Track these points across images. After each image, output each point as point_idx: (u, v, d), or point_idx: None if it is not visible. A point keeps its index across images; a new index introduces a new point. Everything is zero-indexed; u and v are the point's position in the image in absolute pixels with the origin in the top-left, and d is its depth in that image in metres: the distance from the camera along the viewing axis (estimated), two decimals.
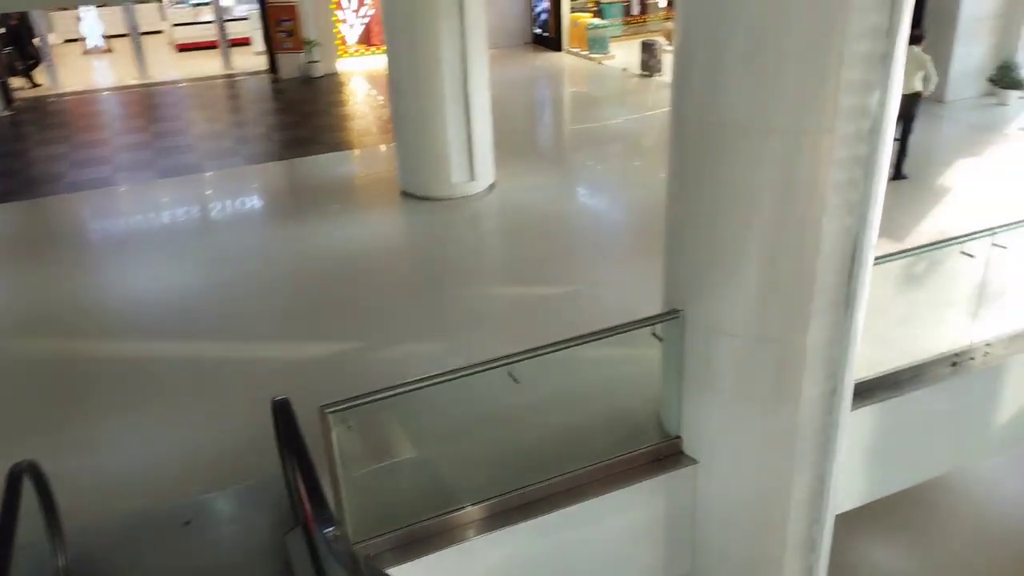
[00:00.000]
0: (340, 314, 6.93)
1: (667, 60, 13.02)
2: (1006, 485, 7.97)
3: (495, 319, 6.78)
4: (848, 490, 5.02)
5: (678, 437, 4.74)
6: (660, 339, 4.50)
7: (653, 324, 4.49)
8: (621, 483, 4.59)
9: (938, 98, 10.73)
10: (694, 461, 4.68)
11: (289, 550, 4.06)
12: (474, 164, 9.19)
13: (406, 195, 9.39)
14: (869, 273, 4.18)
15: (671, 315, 4.44)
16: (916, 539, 7.55)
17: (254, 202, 9.92)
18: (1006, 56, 11.34)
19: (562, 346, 4.28)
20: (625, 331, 4.45)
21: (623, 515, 4.67)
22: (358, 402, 3.90)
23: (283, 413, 3.80)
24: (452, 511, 4.31)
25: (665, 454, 4.74)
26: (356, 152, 11.58)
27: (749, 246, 4.05)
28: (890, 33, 3.58)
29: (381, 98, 14.04)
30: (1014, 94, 11.15)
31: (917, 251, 5.36)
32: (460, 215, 8.96)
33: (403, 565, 4.12)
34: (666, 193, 4.52)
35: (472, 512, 4.36)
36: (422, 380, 4.10)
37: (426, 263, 7.95)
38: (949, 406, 5.33)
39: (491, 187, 9.51)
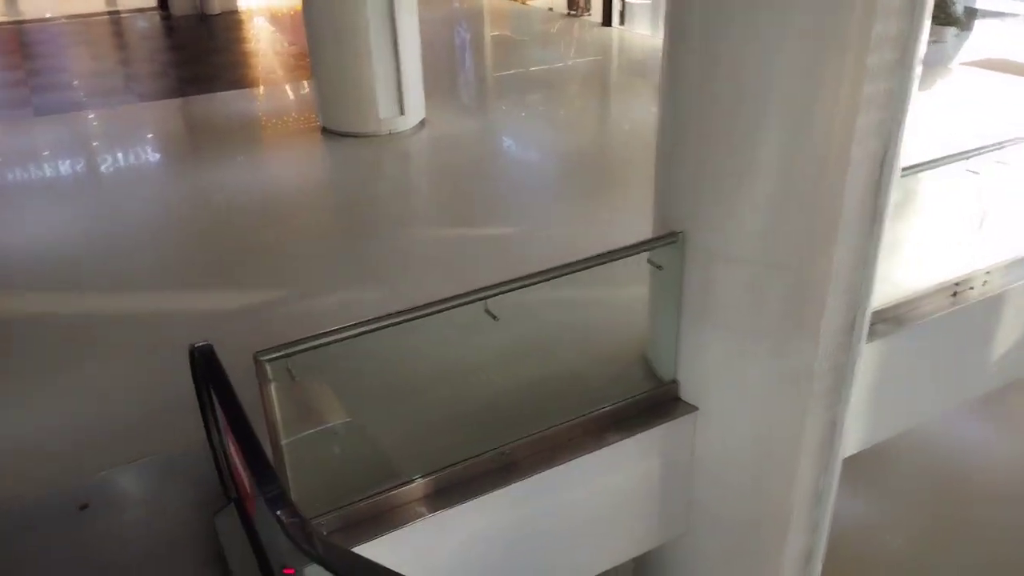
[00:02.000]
0: (261, 262, 6.01)
1: None
2: (965, 434, 7.82)
3: (438, 262, 6.02)
4: (850, 435, 4.54)
5: (674, 382, 4.13)
6: (659, 267, 3.85)
7: (650, 248, 3.83)
8: (610, 438, 3.95)
9: None
10: (693, 408, 4.09)
11: (220, 534, 3.25)
12: (403, 98, 8.30)
13: (328, 132, 8.43)
14: (896, 183, 3.63)
15: (668, 238, 3.79)
16: (881, 490, 7.30)
17: (151, 142, 8.73)
18: None
19: (552, 275, 3.59)
20: (620, 257, 3.78)
21: (613, 473, 4.04)
22: (299, 347, 3.09)
23: (206, 362, 2.96)
24: (414, 480, 3.57)
25: (659, 401, 4.12)
26: (264, 89, 10.45)
27: (762, 150, 3.42)
28: None
29: (286, 42, 12.84)
30: (950, 31, 11.00)
31: (947, 161, 4.86)
32: (389, 152, 8.09)
33: (362, 545, 3.38)
34: (659, 99, 3.87)
35: (439, 480, 3.63)
36: (377, 320, 3.32)
37: (356, 204, 7.06)
38: (949, 339, 4.91)
39: (421, 124, 8.66)
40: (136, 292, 5.54)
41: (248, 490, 2.95)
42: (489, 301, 3.47)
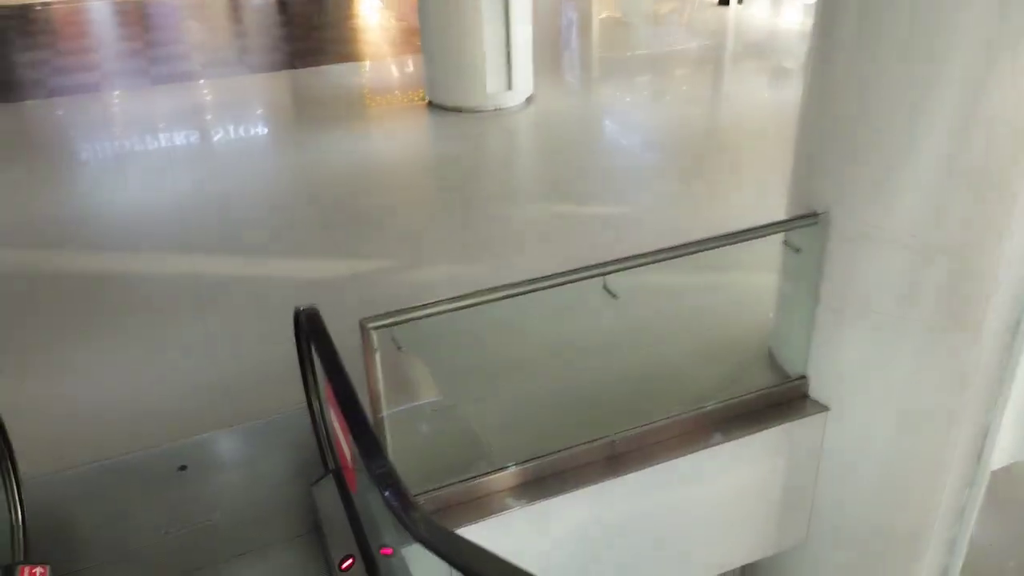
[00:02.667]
0: (365, 231, 5.90)
1: None
2: None
3: (547, 239, 5.77)
4: (1001, 446, 4.07)
5: (803, 378, 3.77)
6: (796, 249, 3.50)
7: (789, 228, 3.48)
8: (728, 435, 3.62)
9: None
10: (823, 408, 3.72)
11: (318, 504, 3.10)
12: (512, 73, 8.07)
13: (434, 106, 8.29)
14: None
15: (809, 218, 3.43)
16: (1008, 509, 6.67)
17: (261, 111, 8.80)
18: None
19: (680, 252, 3.28)
20: (754, 237, 3.44)
21: (729, 474, 3.72)
22: (408, 316, 2.91)
23: (311, 326, 2.81)
24: (514, 465, 3.34)
25: (785, 398, 3.77)
26: (372, 64, 10.42)
27: (928, 120, 3.02)
28: None
29: (395, 17, 12.81)
30: None
31: None
32: (496, 127, 7.88)
33: (461, 528, 3.18)
34: (807, 68, 3.52)
35: (540, 467, 3.39)
36: (488, 292, 3.09)
37: (462, 178, 6.88)
38: None
39: (529, 100, 8.41)
40: (242, 256, 5.52)
41: (350, 463, 2.78)
42: (606, 281, 3.20)
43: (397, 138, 7.75)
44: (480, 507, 3.27)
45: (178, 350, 4.46)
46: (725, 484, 3.74)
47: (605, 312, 4.60)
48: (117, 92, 9.32)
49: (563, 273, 3.11)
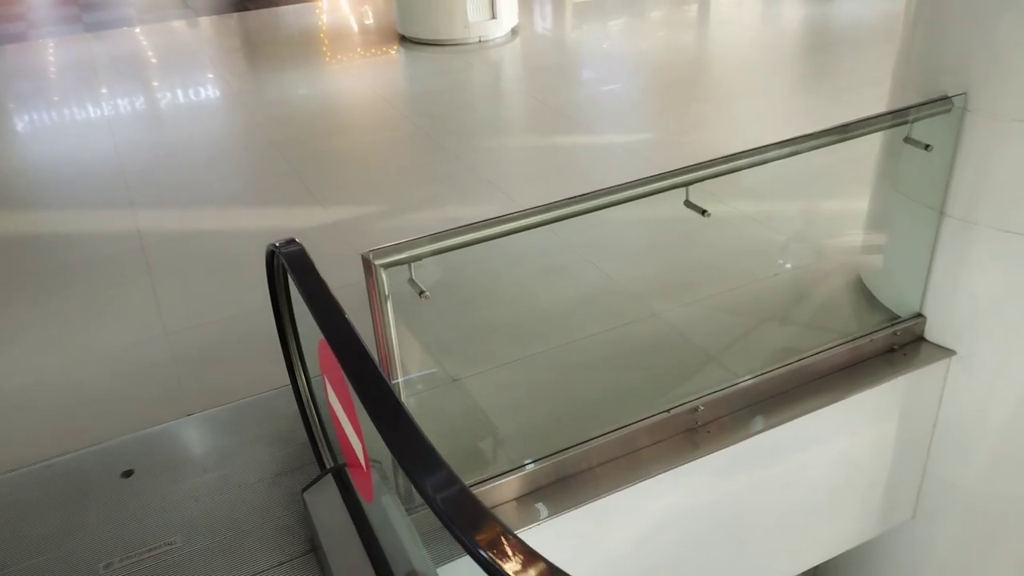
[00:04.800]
0: (345, 175, 5.00)
1: None
2: None
3: (560, 171, 4.90)
4: None
5: (919, 316, 2.99)
6: (926, 146, 2.69)
7: (915, 117, 2.67)
8: (832, 393, 2.84)
9: None
10: (947, 352, 2.95)
11: (313, 517, 2.26)
12: (495, 0, 7.14)
13: (407, 41, 7.35)
14: None
15: (937, 104, 2.62)
16: None
17: (209, 56, 7.74)
18: None
19: (788, 149, 2.46)
20: (874, 129, 2.64)
21: (831, 442, 2.95)
22: (434, 245, 2.06)
23: (296, 266, 1.94)
24: (588, 442, 2.53)
25: (898, 343, 2.99)
26: (330, 3, 9.38)
27: None
28: None
29: None
30: None
31: None
32: (481, 60, 6.97)
33: (527, 530, 2.37)
34: None
35: (605, 448, 2.57)
36: (526, 215, 2.24)
37: (449, 113, 5.96)
38: None
39: (514, 31, 7.50)
40: (204, 208, 4.59)
41: (360, 458, 1.93)
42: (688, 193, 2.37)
43: (368, 77, 6.79)
44: (554, 495, 2.45)
45: (124, 319, 3.55)
46: (823, 455, 2.96)
47: (659, 251, 3.80)
48: (50, 41, 8.20)
49: (641, 181, 2.28)
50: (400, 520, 1.95)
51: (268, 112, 6.01)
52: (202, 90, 6.75)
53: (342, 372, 1.68)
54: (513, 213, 2.19)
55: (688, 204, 2.35)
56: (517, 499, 2.45)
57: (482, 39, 7.19)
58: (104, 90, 6.68)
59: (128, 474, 2.65)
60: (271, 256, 2.12)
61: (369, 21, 8.51)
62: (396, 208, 4.48)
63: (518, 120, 5.94)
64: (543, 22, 8.24)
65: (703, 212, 2.30)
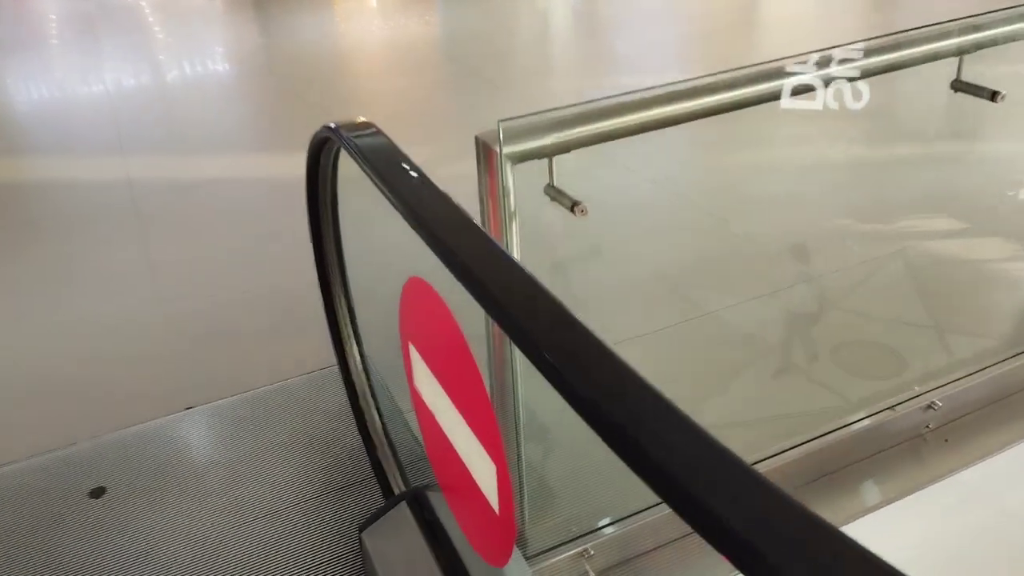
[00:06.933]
0: (379, 118, 4.16)
1: None
2: None
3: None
4: None
5: None
6: None
7: None
8: None
9: None
10: None
11: (376, 568, 1.42)
12: None
13: None
14: None
15: None
16: None
17: None
18: None
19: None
20: None
21: None
22: (586, 126, 1.20)
23: (382, 159, 1.09)
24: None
25: None
26: None
27: None
28: None
29: None
30: None
31: None
32: (525, 4, 6.16)
33: None
34: None
35: (788, 469, 1.72)
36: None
37: (486, 56, 5.12)
38: None
39: None
40: (211, 155, 3.81)
41: (494, 487, 1.06)
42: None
43: (397, 18, 5.96)
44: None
45: (106, 285, 2.75)
46: None
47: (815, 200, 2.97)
48: None
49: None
50: None
51: (282, 51, 5.21)
52: (199, 32, 5.94)
53: (458, 333, 0.85)
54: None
55: (956, 86, 1.51)
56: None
57: None
58: (94, 34, 5.90)
59: (99, 492, 1.84)
60: (318, 150, 1.27)
61: None
62: (450, 155, 3.66)
63: (564, 62, 5.13)
64: None
65: (993, 96, 1.45)
